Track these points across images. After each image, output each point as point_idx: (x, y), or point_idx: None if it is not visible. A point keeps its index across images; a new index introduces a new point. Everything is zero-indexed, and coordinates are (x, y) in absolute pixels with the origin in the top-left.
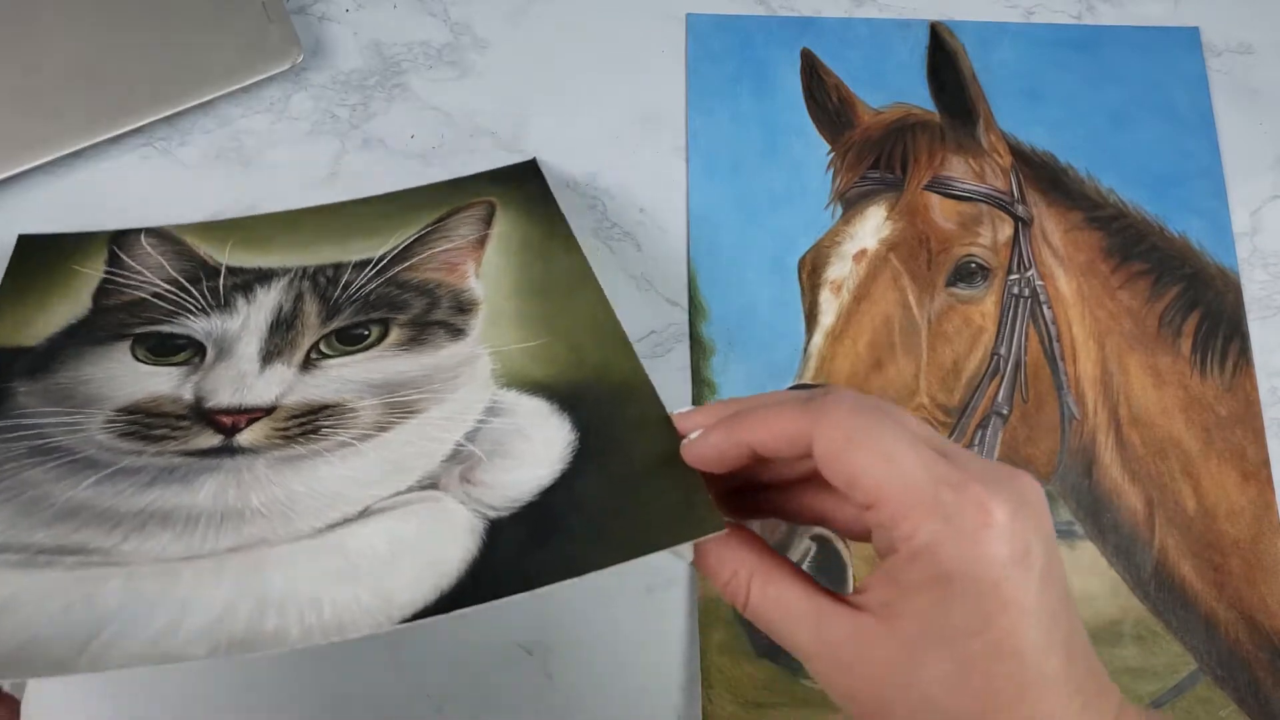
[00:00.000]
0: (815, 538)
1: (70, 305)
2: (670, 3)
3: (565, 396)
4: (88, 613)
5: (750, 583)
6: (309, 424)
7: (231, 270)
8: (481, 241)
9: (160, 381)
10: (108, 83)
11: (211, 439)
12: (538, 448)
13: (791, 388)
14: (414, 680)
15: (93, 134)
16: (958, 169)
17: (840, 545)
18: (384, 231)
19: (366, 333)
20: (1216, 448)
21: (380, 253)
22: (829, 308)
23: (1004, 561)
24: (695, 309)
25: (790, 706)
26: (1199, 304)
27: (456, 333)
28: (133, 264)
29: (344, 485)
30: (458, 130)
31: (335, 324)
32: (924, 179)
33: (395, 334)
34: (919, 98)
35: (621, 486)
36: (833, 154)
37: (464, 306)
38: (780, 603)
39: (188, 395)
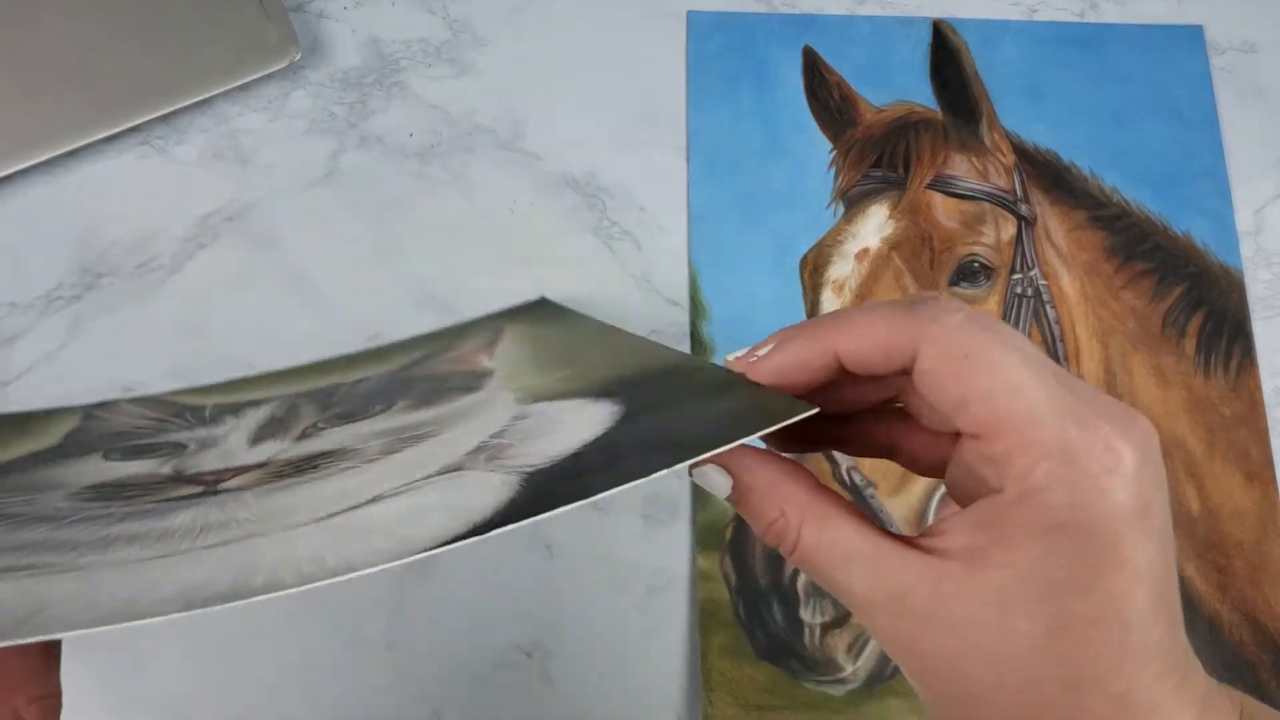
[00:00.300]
0: None
1: (38, 442)
2: (671, 0)
3: (601, 390)
4: (30, 600)
5: (801, 525)
6: (306, 464)
7: (218, 405)
8: (491, 344)
9: (134, 467)
10: (104, 81)
11: (192, 489)
12: (577, 422)
13: None
14: (412, 684)
15: (89, 132)
16: (960, 167)
17: None
18: (381, 363)
19: (370, 411)
20: (1220, 448)
21: (380, 371)
22: (831, 307)
23: (1126, 515)
24: (696, 308)
25: (792, 709)
26: (1203, 304)
27: (471, 390)
28: (109, 416)
29: (349, 488)
30: (456, 129)
31: (335, 410)
32: (926, 177)
33: (403, 404)
34: (921, 96)
35: (679, 416)
36: (834, 152)
37: (478, 374)
38: (835, 546)
39: (166, 470)
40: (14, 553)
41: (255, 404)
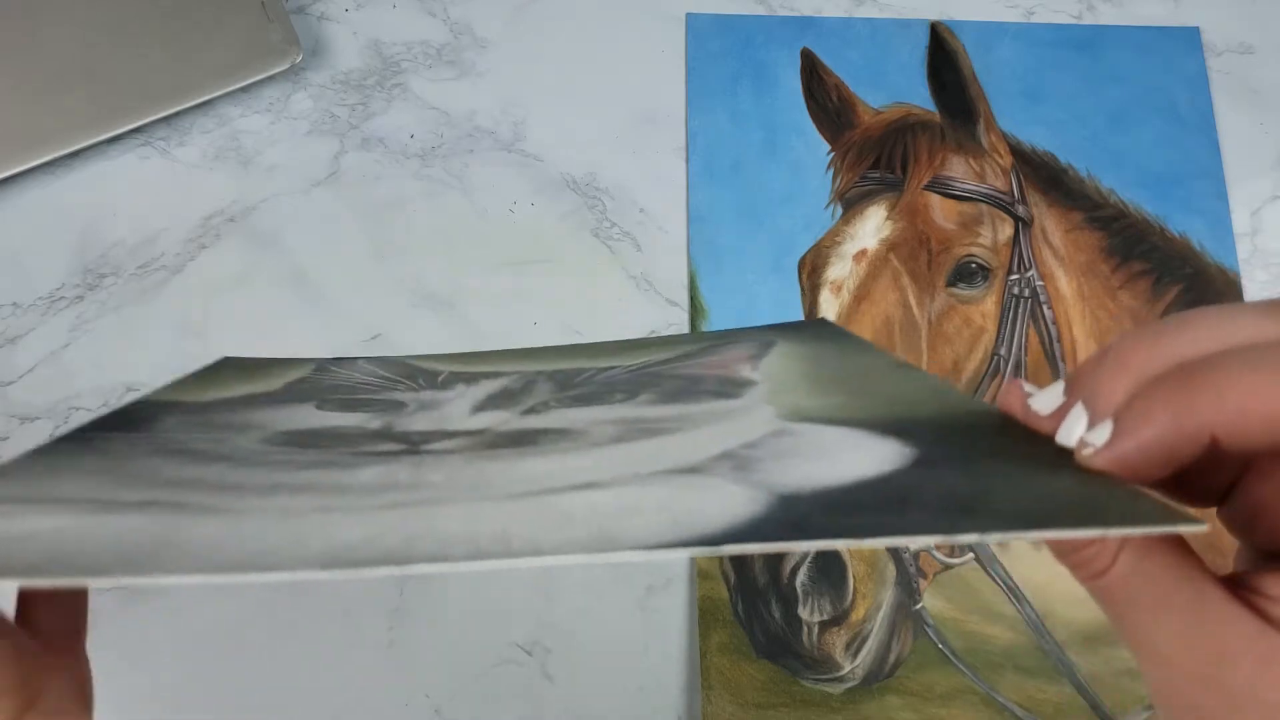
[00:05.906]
0: None
1: (256, 386)
2: (670, 2)
3: (888, 427)
4: (156, 538)
5: (1121, 549)
6: (525, 439)
7: (455, 372)
8: (757, 355)
9: (344, 419)
10: (107, 82)
11: (392, 446)
12: (851, 454)
13: None
14: (413, 682)
15: (92, 133)
16: (958, 169)
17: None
18: (634, 355)
19: (609, 399)
20: None
21: (630, 363)
22: (829, 308)
23: None
24: (695, 309)
25: (790, 707)
26: (1200, 304)
27: (726, 397)
28: (341, 370)
29: (561, 469)
30: (457, 130)
31: (572, 393)
32: (924, 179)
33: (647, 396)
34: (919, 97)
35: (992, 476)
36: (833, 154)
37: (737, 383)
38: (1152, 582)
39: (375, 425)
40: (172, 487)
41: (493, 376)
